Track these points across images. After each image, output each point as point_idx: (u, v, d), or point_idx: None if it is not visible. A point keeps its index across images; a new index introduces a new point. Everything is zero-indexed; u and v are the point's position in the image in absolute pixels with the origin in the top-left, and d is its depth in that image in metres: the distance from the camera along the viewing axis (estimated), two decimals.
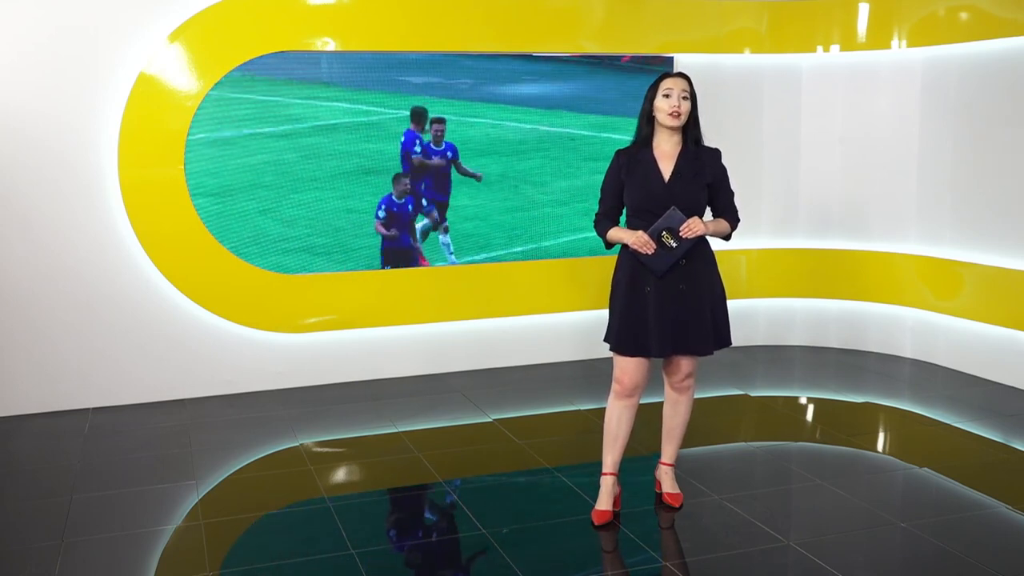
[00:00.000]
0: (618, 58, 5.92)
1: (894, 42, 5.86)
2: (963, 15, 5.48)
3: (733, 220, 3.58)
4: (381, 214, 5.51)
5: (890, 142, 5.99)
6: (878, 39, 5.92)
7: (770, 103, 6.26)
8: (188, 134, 5.12)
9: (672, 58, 6.00)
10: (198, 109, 5.12)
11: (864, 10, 5.95)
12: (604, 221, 3.56)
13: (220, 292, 5.32)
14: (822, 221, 6.30)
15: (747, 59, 6.19)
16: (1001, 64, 5.32)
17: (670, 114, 3.40)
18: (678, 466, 3.89)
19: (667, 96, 3.40)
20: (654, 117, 3.46)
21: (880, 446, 4.64)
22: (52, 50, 4.88)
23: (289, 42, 5.25)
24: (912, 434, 4.77)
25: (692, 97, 3.44)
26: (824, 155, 6.23)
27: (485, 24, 5.62)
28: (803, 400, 5.40)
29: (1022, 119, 5.24)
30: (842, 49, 6.05)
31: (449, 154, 5.62)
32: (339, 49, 5.36)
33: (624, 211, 3.58)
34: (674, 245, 3.38)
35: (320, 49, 5.32)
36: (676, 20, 5.99)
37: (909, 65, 5.86)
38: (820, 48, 6.11)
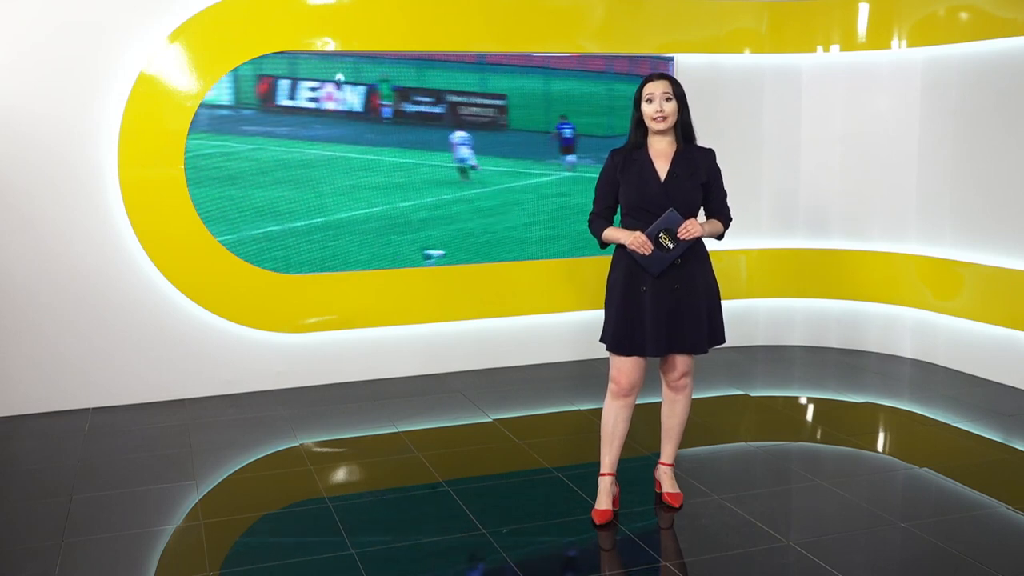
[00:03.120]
0: (617, 59, 5.92)
1: (894, 42, 5.86)
2: (963, 15, 5.48)
3: (726, 220, 3.60)
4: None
5: (890, 142, 5.99)
6: (878, 39, 5.92)
7: (770, 103, 6.26)
8: (188, 134, 5.13)
9: (672, 58, 6.00)
10: (198, 109, 5.13)
11: (864, 10, 5.95)
12: (599, 221, 3.57)
13: (220, 292, 5.32)
14: (822, 221, 6.30)
15: (747, 59, 6.19)
16: (1001, 64, 5.32)
17: (654, 119, 3.42)
18: (678, 466, 3.89)
19: (649, 101, 3.43)
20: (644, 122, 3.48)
21: (880, 446, 4.64)
22: (52, 50, 4.88)
23: (289, 42, 5.25)
24: (912, 434, 4.77)
25: (679, 96, 3.44)
26: (824, 155, 6.23)
27: (485, 24, 5.62)
28: (803, 400, 5.40)
29: (1022, 119, 5.24)
30: (842, 49, 6.05)
31: None
32: (339, 49, 5.36)
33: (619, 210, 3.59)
34: (671, 246, 3.39)
35: (320, 49, 5.32)
36: (676, 20, 5.99)
37: (909, 65, 5.85)
38: (820, 48, 6.11)
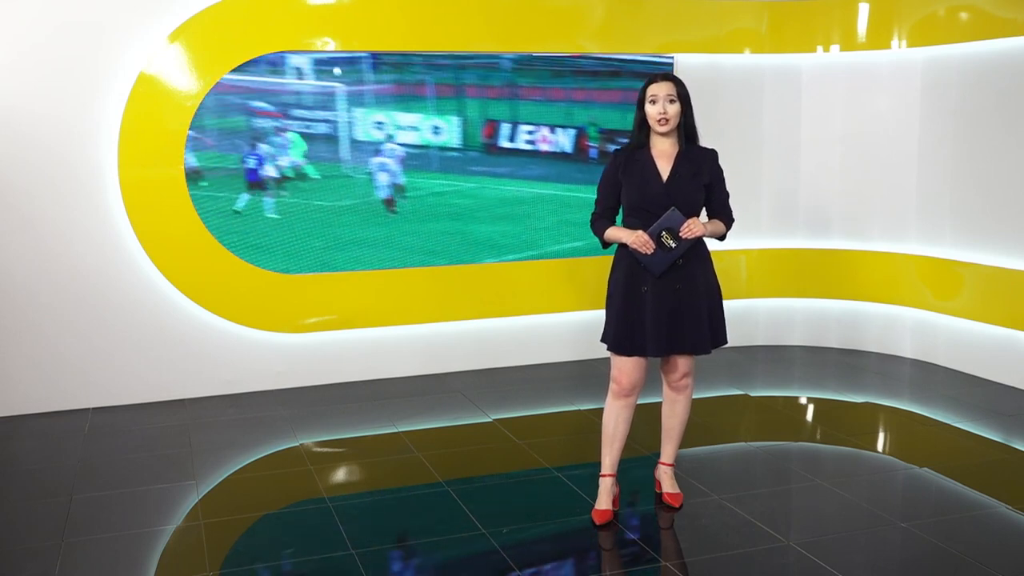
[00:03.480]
0: (616, 59, 5.92)
1: (894, 42, 5.86)
2: (963, 15, 5.48)
3: (728, 221, 3.60)
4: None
5: (890, 142, 5.99)
6: (878, 39, 5.92)
7: (770, 103, 6.26)
8: (188, 134, 5.12)
9: (672, 58, 6.00)
10: (198, 109, 5.13)
11: (864, 10, 5.95)
12: (601, 221, 3.57)
13: (220, 292, 5.32)
14: (822, 221, 6.30)
15: (747, 59, 6.19)
16: (1001, 64, 5.32)
17: (658, 120, 3.42)
18: (678, 466, 3.89)
19: (653, 103, 3.42)
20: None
21: (880, 446, 4.64)
22: (52, 50, 4.88)
23: (289, 42, 5.25)
24: (912, 434, 4.77)
25: (682, 97, 3.44)
26: (824, 155, 6.23)
27: (485, 24, 5.62)
28: (803, 400, 5.40)
29: (1022, 119, 5.24)
30: (842, 49, 6.05)
31: None
32: (339, 49, 5.36)
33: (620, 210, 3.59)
34: (673, 245, 3.39)
35: (320, 49, 5.32)
36: (676, 20, 5.99)
37: (909, 65, 5.86)
38: (820, 48, 6.11)
